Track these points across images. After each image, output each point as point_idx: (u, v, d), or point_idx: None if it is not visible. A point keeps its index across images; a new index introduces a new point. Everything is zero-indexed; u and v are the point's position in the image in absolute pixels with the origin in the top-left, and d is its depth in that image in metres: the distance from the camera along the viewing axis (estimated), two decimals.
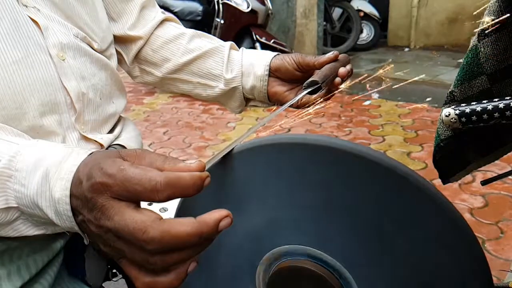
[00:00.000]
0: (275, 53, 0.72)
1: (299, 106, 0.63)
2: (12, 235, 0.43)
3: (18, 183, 0.39)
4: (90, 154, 0.38)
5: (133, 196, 0.32)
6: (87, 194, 0.33)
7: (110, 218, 0.32)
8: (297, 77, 0.69)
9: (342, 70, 0.64)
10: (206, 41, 0.75)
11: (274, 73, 0.70)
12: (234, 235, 0.42)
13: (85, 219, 0.35)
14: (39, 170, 0.38)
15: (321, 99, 0.61)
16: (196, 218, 0.31)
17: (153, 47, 0.75)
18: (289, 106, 0.62)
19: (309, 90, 0.59)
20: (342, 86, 0.64)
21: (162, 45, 0.75)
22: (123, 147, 0.67)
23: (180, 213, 0.44)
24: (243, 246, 0.43)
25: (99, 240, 0.35)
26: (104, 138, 0.63)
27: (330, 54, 0.66)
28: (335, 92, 0.64)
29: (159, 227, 0.30)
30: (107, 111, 0.65)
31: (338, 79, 0.63)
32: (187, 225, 0.31)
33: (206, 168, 0.36)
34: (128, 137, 0.70)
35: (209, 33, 0.78)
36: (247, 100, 0.76)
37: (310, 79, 0.60)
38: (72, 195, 0.36)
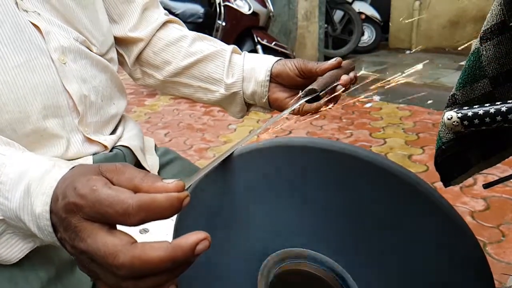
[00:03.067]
0: (277, 58, 0.70)
1: (300, 113, 0.62)
2: (1, 253, 0.42)
3: (2, 196, 0.39)
4: (72, 168, 0.37)
5: (105, 219, 0.31)
6: (62, 213, 0.33)
7: (83, 240, 0.31)
8: (299, 83, 0.67)
9: (344, 78, 0.61)
10: (208, 44, 0.74)
11: (275, 78, 0.68)
12: (234, 241, 0.42)
13: (62, 237, 0.34)
14: (22, 184, 0.38)
15: (322, 106, 0.59)
16: (171, 242, 0.29)
17: (155, 49, 0.74)
18: (290, 113, 0.61)
19: (307, 98, 0.58)
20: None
21: (164, 48, 0.74)
22: (127, 147, 0.67)
23: (180, 217, 0.44)
24: (243, 251, 0.42)
25: (76, 260, 0.34)
26: (108, 140, 0.63)
27: (333, 61, 0.63)
28: (337, 99, 0.61)
29: (129, 252, 0.29)
30: (108, 113, 0.65)
31: (339, 87, 0.60)
32: (160, 250, 0.29)
33: (191, 183, 0.35)
34: (130, 136, 0.70)
35: (211, 35, 0.77)
36: (248, 106, 0.75)
37: (309, 87, 0.58)
38: (51, 211, 0.35)
